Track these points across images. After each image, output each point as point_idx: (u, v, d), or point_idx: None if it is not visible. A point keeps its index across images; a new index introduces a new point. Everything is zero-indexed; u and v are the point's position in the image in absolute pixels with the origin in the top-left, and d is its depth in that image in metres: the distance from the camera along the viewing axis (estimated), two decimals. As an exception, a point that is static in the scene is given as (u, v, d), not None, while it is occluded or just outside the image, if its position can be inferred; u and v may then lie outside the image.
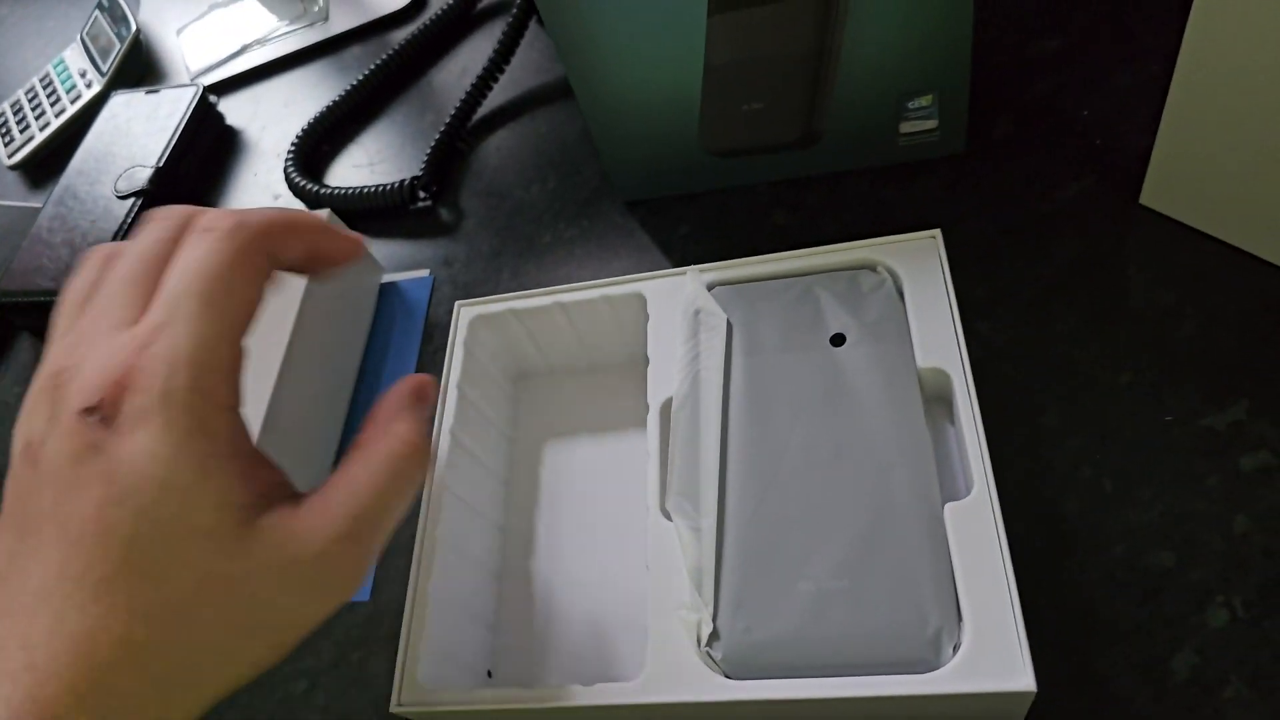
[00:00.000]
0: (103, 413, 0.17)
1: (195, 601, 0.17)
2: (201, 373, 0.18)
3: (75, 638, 0.16)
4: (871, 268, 0.28)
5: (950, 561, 0.23)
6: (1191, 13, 0.25)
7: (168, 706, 0.17)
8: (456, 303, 0.32)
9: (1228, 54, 0.25)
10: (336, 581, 0.19)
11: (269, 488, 0.19)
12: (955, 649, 0.22)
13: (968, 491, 0.24)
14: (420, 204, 0.42)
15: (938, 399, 0.27)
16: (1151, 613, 0.25)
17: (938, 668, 0.21)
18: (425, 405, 0.21)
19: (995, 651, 0.21)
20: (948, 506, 0.23)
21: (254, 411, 0.30)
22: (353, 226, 0.41)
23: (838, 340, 0.27)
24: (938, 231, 0.28)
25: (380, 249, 0.41)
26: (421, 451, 0.20)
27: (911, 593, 0.22)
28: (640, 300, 0.30)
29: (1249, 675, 0.23)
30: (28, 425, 0.19)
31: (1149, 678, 0.24)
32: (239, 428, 0.19)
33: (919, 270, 0.27)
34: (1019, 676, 0.21)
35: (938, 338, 0.26)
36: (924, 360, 0.26)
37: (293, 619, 0.19)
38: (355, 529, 0.19)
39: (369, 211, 0.42)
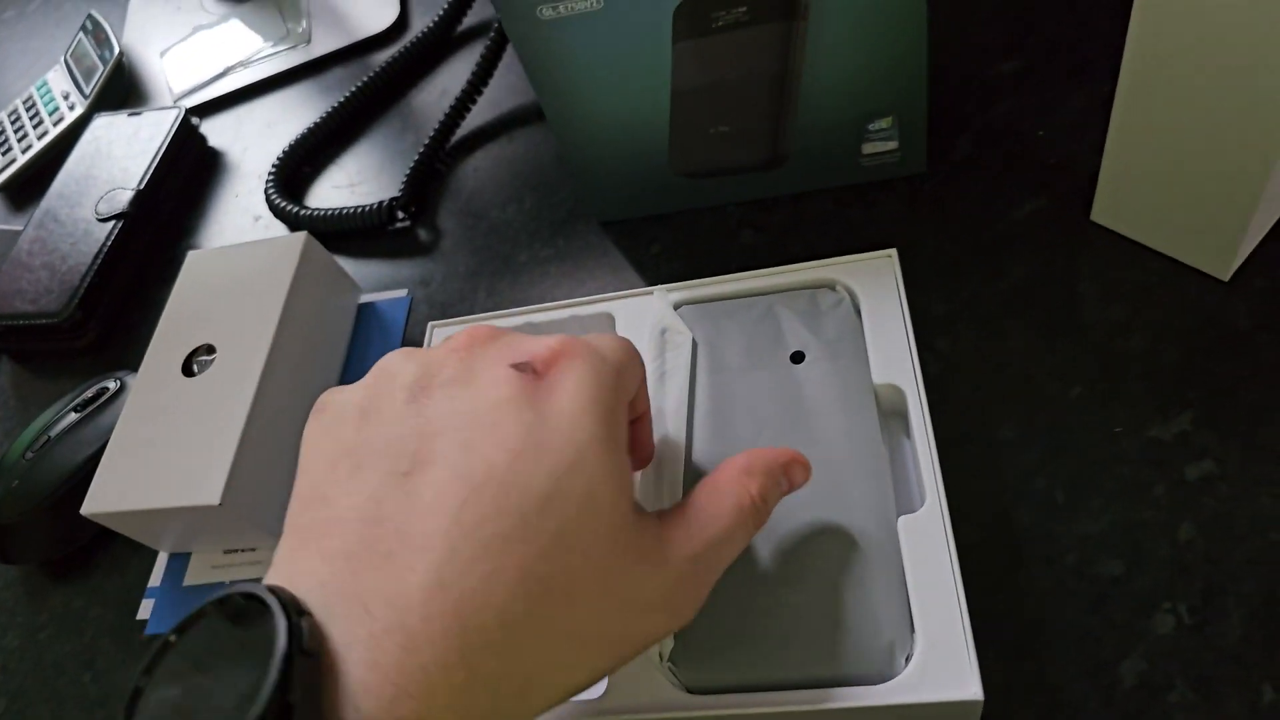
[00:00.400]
0: (535, 368, 0.18)
1: (578, 584, 0.16)
2: (623, 373, 0.19)
3: (456, 601, 0.15)
4: (830, 286, 0.29)
5: (903, 573, 0.23)
6: (1129, 35, 0.26)
7: (519, 705, 0.16)
8: (430, 323, 0.33)
9: (1165, 75, 0.26)
10: (681, 601, 0.19)
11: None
12: (907, 659, 0.22)
13: (921, 504, 0.24)
14: (399, 224, 0.43)
15: (894, 414, 0.28)
16: (1101, 620, 0.25)
17: (890, 678, 0.22)
18: (788, 482, 0.22)
19: (945, 662, 0.22)
20: (902, 519, 0.24)
21: (230, 427, 0.31)
22: (332, 247, 0.41)
23: (797, 358, 0.28)
24: (894, 251, 0.29)
25: (358, 269, 0.42)
26: (763, 516, 0.21)
27: (866, 606, 0.23)
28: (609, 320, 0.30)
29: (1194, 680, 0.24)
30: (415, 365, 0.18)
31: (1098, 684, 0.24)
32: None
33: (875, 289, 0.28)
34: (967, 686, 0.21)
35: (893, 354, 0.27)
36: (880, 376, 0.27)
37: (641, 629, 0.18)
38: (705, 555, 0.19)
39: (348, 232, 0.42)
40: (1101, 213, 0.32)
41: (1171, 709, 0.24)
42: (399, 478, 0.17)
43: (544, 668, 0.17)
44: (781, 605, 0.23)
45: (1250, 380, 0.28)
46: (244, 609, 0.16)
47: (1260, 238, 0.31)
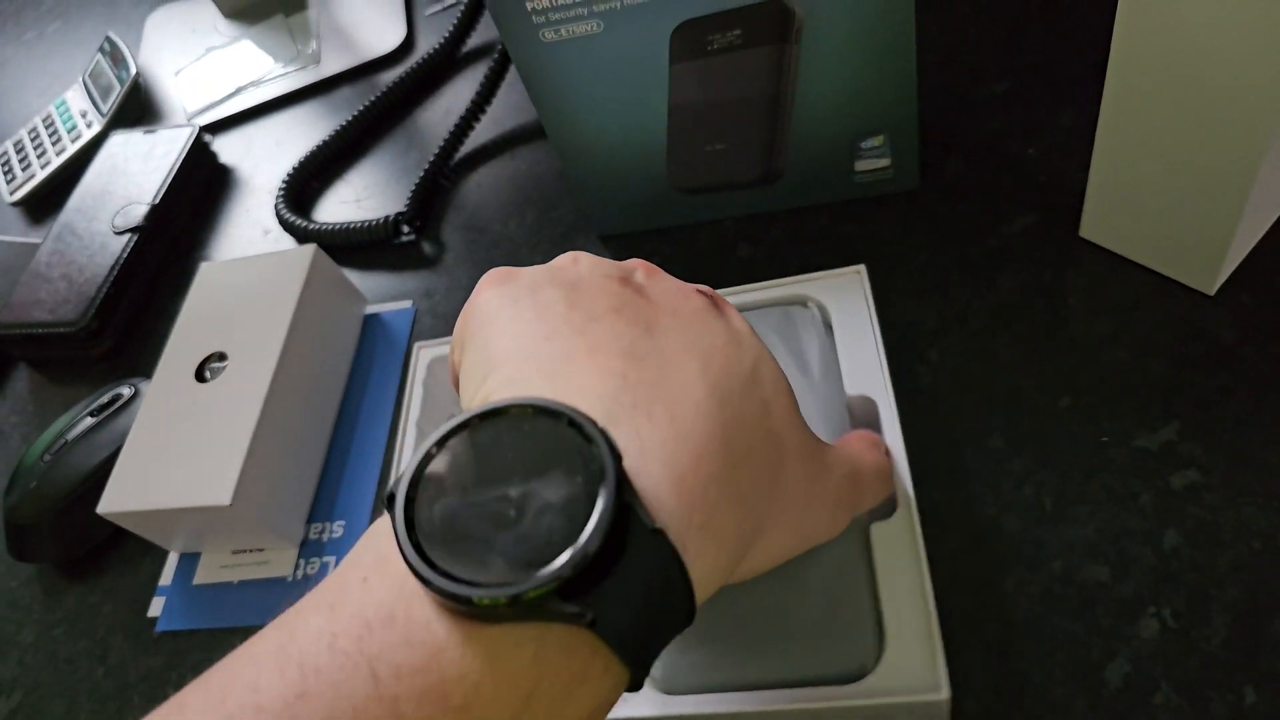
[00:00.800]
0: (710, 296, 0.20)
1: (788, 442, 0.19)
2: None
3: (723, 423, 0.17)
4: (802, 303, 0.30)
5: (874, 578, 0.24)
6: (1111, 55, 0.27)
7: (753, 543, 0.18)
8: (416, 344, 0.34)
9: (1146, 94, 0.27)
10: (842, 506, 0.22)
11: None
12: (877, 661, 0.23)
13: (894, 511, 0.25)
14: (404, 238, 0.44)
15: (868, 425, 0.28)
16: (1087, 624, 0.26)
17: (860, 679, 0.22)
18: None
19: (913, 663, 0.22)
20: (874, 526, 0.25)
21: (241, 430, 0.32)
22: (339, 260, 0.42)
23: None
24: (862, 267, 0.30)
25: (364, 281, 0.43)
26: (890, 476, 0.25)
27: (837, 608, 0.24)
28: None
29: (1178, 682, 0.24)
30: (603, 263, 0.20)
31: (1084, 686, 0.25)
32: None
33: (845, 304, 0.29)
34: (936, 687, 0.22)
35: (864, 367, 0.27)
36: (851, 388, 0.27)
37: (818, 515, 0.21)
38: (855, 477, 0.22)
39: (355, 245, 0.44)
40: (1090, 229, 0.33)
41: (1156, 710, 0.24)
42: (643, 329, 0.18)
43: (773, 513, 0.19)
44: (754, 607, 0.24)
45: (1235, 392, 0.29)
46: (537, 420, 0.15)
47: (1245, 253, 0.31)
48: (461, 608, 0.14)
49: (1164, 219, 0.30)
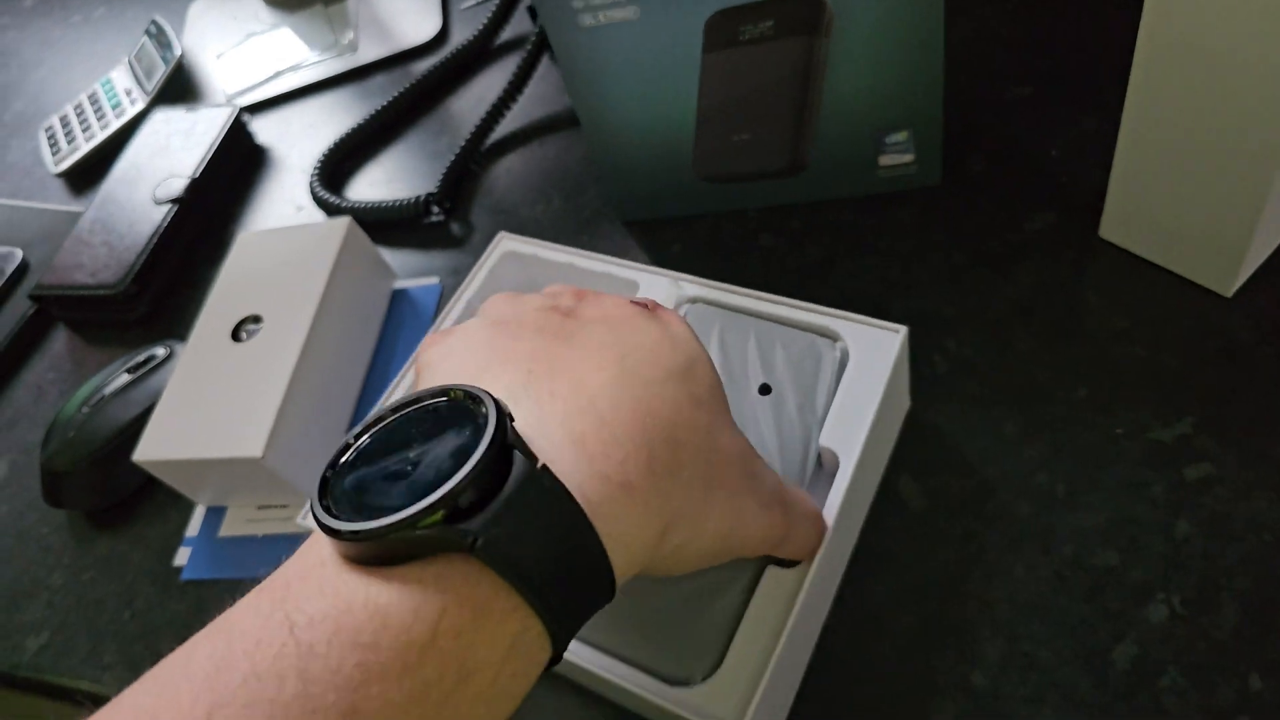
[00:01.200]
0: (647, 305, 0.22)
1: (719, 434, 0.20)
2: None
3: (635, 399, 0.18)
4: (834, 338, 0.29)
5: (743, 612, 0.24)
6: (1134, 58, 0.28)
7: (679, 530, 0.19)
8: (501, 231, 0.35)
9: (1169, 98, 0.28)
10: (769, 525, 0.22)
11: None
12: (705, 678, 0.23)
13: (795, 565, 0.25)
14: (434, 218, 0.45)
15: (829, 478, 0.27)
16: (1095, 608, 0.26)
17: (682, 685, 0.23)
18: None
19: (729, 697, 0.23)
20: (770, 568, 0.25)
21: (274, 388, 0.33)
22: (370, 237, 0.44)
23: (764, 389, 0.28)
24: (905, 329, 0.28)
25: (394, 257, 0.44)
26: (819, 533, 0.24)
27: (696, 618, 0.24)
28: (634, 285, 0.32)
29: (1185, 666, 0.25)
30: (532, 296, 0.22)
31: (1091, 666, 0.25)
32: None
33: (870, 357, 0.28)
34: None
35: (850, 424, 0.26)
36: (826, 439, 0.27)
37: (757, 517, 0.21)
38: (784, 503, 0.22)
39: (386, 223, 0.45)
40: (1109, 229, 0.34)
41: (1162, 693, 0.24)
42: (562, 340, 0.20)
43: (694, 497, 0.19)
44: (633, 585, 0.25)
45: (1250, 391, 0.29)
46: (440, 401, 0.17)
47: (1264, 257, 0.32)
48: (363, 549, 0.15)
49: (1183, 221, 0.31)
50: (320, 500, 0.16)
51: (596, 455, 0.17)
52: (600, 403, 0.18)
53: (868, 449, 0.26)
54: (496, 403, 0.16)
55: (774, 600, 0.24)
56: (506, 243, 0.35)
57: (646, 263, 0.32)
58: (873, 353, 0.28)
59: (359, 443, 0.17)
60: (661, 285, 0.31)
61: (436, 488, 0.15)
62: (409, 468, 0.16)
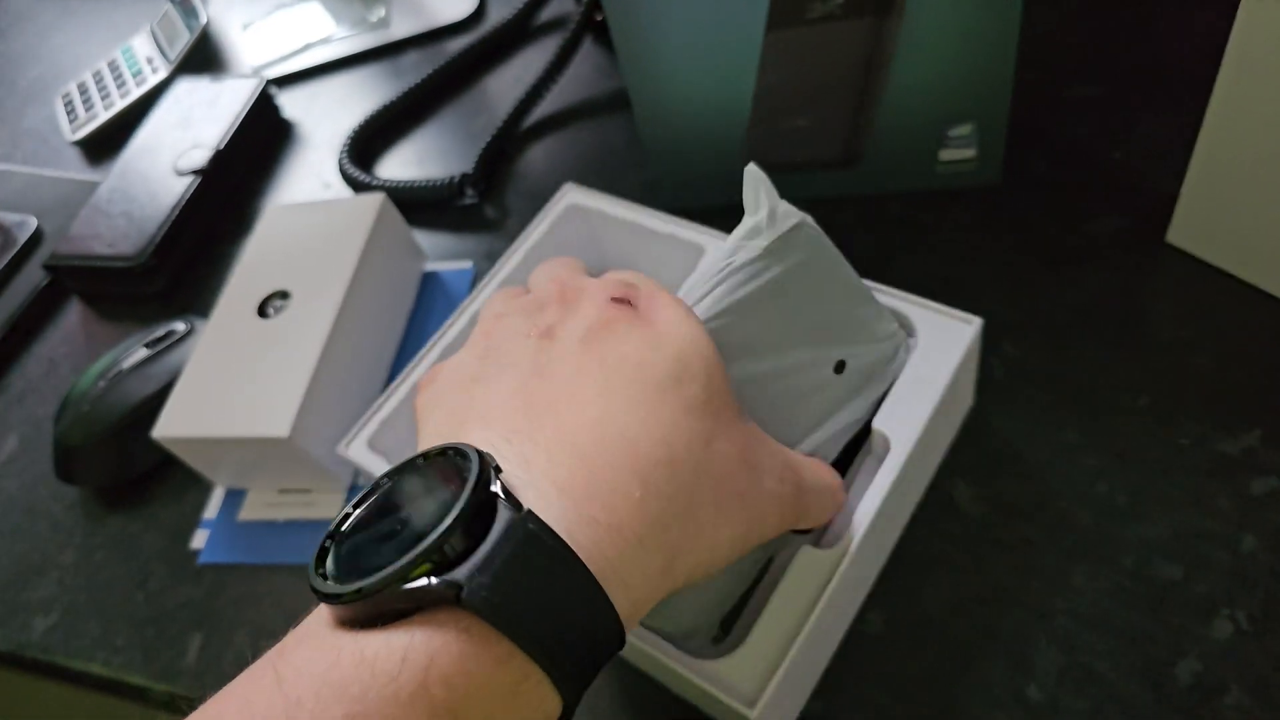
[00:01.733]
0: (628, 298, 0.22)
1: (718, 437, 0.20)
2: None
3: (621, 430, 0.19)
4: (908, 330, 0.29)
5: (767, 593, 0.25)
6: (1224, 61, 0.28)
7: (687, 546, 0.19)
8: (567, 182, 0.36)
9: (1257, 103, 0.28)
10: (782, 502, 0.22)
11: None
12: (711, 639, 0.25)
13: (835, 544, 0.25)
14: (468, 200, 0.46)
15: (876, 457, 0.28)
16: (1157, 621, 0.27)
17: (702, 657, 0.24)
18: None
19: (750, 674, 0.24)
20: (805, 548, 0.25)
21: (302, 366, 0.34)
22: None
23: (839, 367, 0.27)
24: (979, 321, 0.28)
25: (426, 239, 0.45)
26: (836, 498, 0.25)
27: (719, 602, 0.26)
28: (698, 252, 0.33)
29: (1250, 684, 0.25)
30: (518, 311, 0.23)
31: (1151, 681, 0.26)
32: None
33: (938, 348, 0.28)
34: (751, 704, 0.23)
35: (908, 410, 0.27)
36: (880, 422, 0.27)
37: (766, 506, 0.21)
38: (796, 475, 0.23)
39: (418, 203, 0.46)
40: (1179, 234, 0.35)
41: (1226, 711, 0.25)
42: (537, 375, 0.20)
43: (699, 519, 0.19)
44: None
45: (1322, 405, 0.30)
46: (430, 460, 0.18)
47: (1341, 268, 0.32)
48: (357, 609, 0.16)
49: (1260, 229, 0.31)
50: (317, 568, 0.17)
51: (582, 499, 0.18)
52: (583, 443, 0.18)
53: (924, 439, 0.27)
54: (480, 455, 0.17)
55: (807, 583, 0.25)
56: (572, 194, 0.36)
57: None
58: (943, 342, 0.28)
59: (356, 511, 0.18)
60: (725, 247, 0.29)
61: (422, 542, 0.16)
62: (399, 527, 0.17)
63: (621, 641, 0.18)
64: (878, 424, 0.27)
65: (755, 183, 0.27)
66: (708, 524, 0.20)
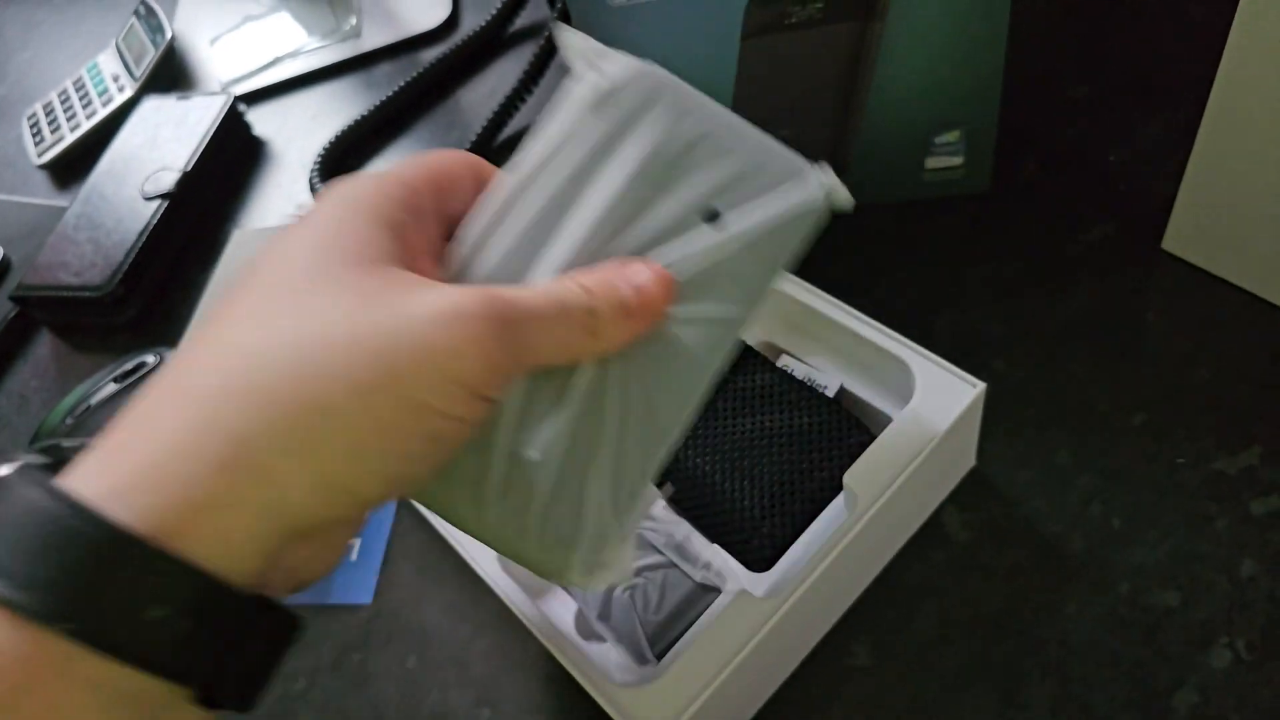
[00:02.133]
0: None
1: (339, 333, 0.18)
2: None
3: (161, 431, 0.18)
4: (905, 368, 0.29)
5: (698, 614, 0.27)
6: (1221, 64, 0.28)
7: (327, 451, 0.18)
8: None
9: (1255, 106, 0.28)
10: (464, 343, 0.19)
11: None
12: (639, 683, 0.25)
13: (778, 592, 0.26)
14: (443, 219, 0.46)
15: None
16: (1153, 651, 0.27)
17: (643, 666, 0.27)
18: (633, 291, 0.21)
19: (657, 711, 0.25)
20: (741, 594, 0.26)
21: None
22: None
23: (710, 216, 0.24)
24: (982, 386, 0.28)
25: (400, 261, 0.45)
26: (595, 314, 0.20)
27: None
28: None
29: (1249, 715, 0.25)
30: None
31: (1148, 713, 0.26)
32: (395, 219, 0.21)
33: (932, 405, 0.28)
34: None
35: (880, 469, 0.27)
36: (852, 477, 0.27)
37: (420, 368, 0.18)
38: (492, 308, 0.19)
39: (391, 224, 0.46)
40: (1174, 241, 0.35)
41: (1224, 744, 0.25)
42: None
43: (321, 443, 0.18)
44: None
45: (1324, 418, 0.30)
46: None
47: (1342, 274, 0.32)
48: None
49: (1259, 235, 0.31)
50: None
51: (114, 473, 0.18)
52: (139, 438, 0.18)
53: (893, 502, 0.27)
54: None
55: (735, 628, 0.25)
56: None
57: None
58: (939, 401, 0.28)
59: None
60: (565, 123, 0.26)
61: None
62: None
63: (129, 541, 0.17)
64: (848, 479, 0.27)
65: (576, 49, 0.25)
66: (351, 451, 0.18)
